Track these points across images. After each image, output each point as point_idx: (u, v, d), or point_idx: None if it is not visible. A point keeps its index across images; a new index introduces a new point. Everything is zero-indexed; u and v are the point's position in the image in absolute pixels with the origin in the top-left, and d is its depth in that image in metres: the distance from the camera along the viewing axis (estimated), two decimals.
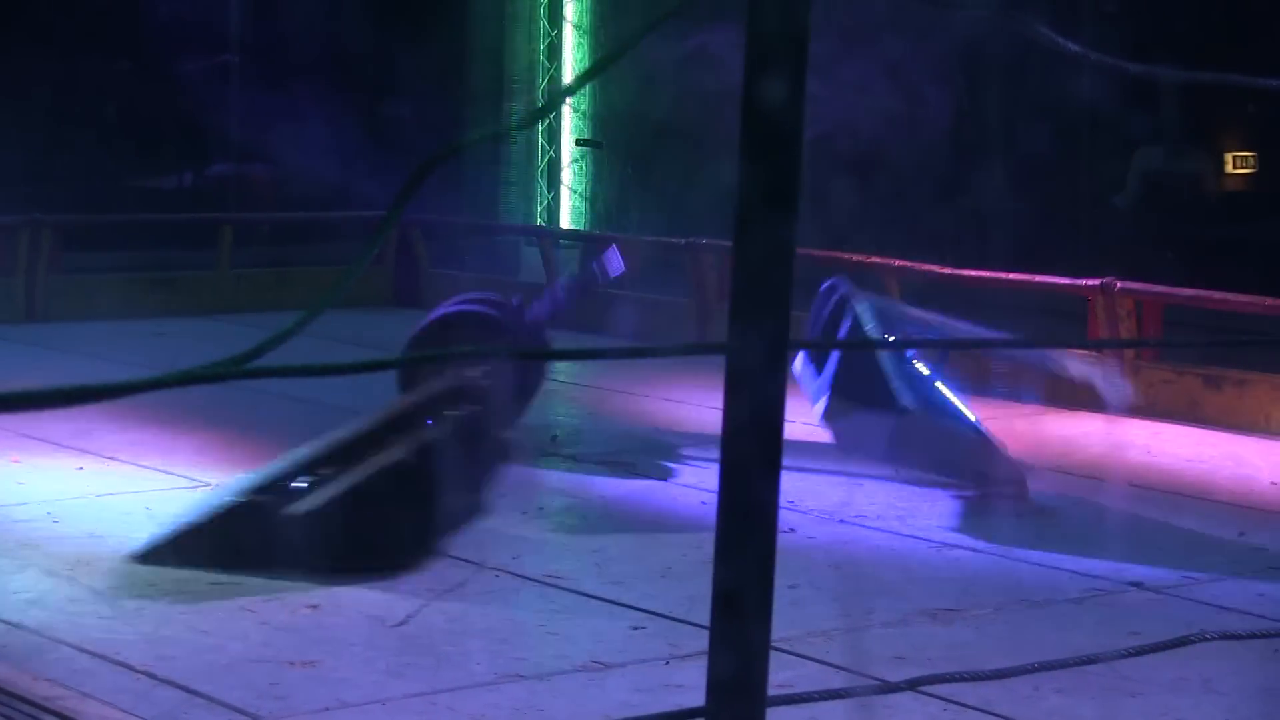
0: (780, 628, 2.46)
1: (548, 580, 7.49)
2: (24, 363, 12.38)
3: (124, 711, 5.71)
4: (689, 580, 7.12)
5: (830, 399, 9.10)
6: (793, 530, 7.99)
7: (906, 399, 9.02)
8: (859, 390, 9.08)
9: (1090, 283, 12.20)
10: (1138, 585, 7.66)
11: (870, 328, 9.29)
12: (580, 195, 18.10)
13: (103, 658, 6.27)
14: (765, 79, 2.35)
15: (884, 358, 9.08)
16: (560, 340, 13.83)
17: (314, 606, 7.01)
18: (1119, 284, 12.04)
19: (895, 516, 8.73)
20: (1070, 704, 6.01)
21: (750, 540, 2.40)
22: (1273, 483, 9.74)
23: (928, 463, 9.17)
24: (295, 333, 2.41)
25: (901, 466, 9.21)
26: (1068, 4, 14.75)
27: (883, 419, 8.95)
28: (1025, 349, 11.29)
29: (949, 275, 13.29)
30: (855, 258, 13.20)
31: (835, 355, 9.11)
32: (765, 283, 2.40)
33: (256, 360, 2.38)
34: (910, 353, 9.32)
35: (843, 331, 9.28)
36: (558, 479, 9.61)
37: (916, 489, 9.20)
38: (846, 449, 9.05)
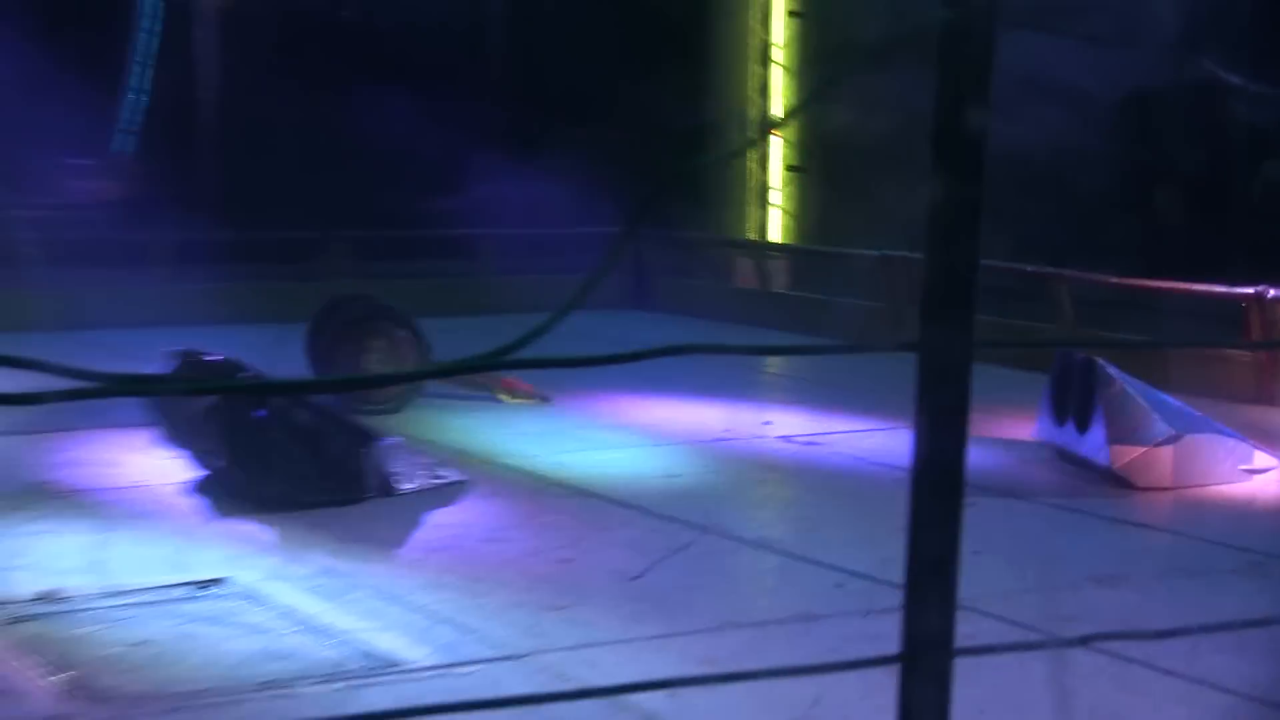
0: (965, 588, 2.46)
1: (761, 543, 7.52)
2: None
3: (411, 644, 5.85)
4: (883, 545, 7.08)
5: (1110, 447, 8.81)
6: (972, 504, 7.91)
7: (1175, 425, 8.87)
8: (1128, 431, 8.85)
9: (1245, 291, 11.95)
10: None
11: (1115, 373, 9.09)
12: (787, 213, 18.10)
13: (390, 598, 6.42)
14: (954, 108, 2.35)
15: (1140, 396, 8.96)
16: (776, 338, 13.89)
17: (566, 560, 7.11)
18: (1271, 292, 11.79)
19: (1064, 494, 8.63)
20: (1227, 662, 5.88)
21: (940, 512, 2.40)
22: None
23: (1200, 474, 8.92)
24: (548, 329, 2.47)
25: (1183, 483, 8.86)
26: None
27: (1162, 450, 8.78)
28: (1187, 346, 11.09)
29: (1116, 284, 13.07)
30: (1030, 269, 13.04)
31: (1099, 412, 8.88)
32: (954, 289, 2.40)
33: (514, 353, 2.44)
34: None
35: (1099, 388, 9.03)
36: (771, 455, 9.65)
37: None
38: (1138, 480, 8.76)
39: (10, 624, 5.95)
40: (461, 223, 16.32)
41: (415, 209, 16.38)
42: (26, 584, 6.42)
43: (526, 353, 2.33)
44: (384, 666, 5.63)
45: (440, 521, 7.73)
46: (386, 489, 8.08)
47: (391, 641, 5.87)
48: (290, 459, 8.01)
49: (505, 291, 14.78)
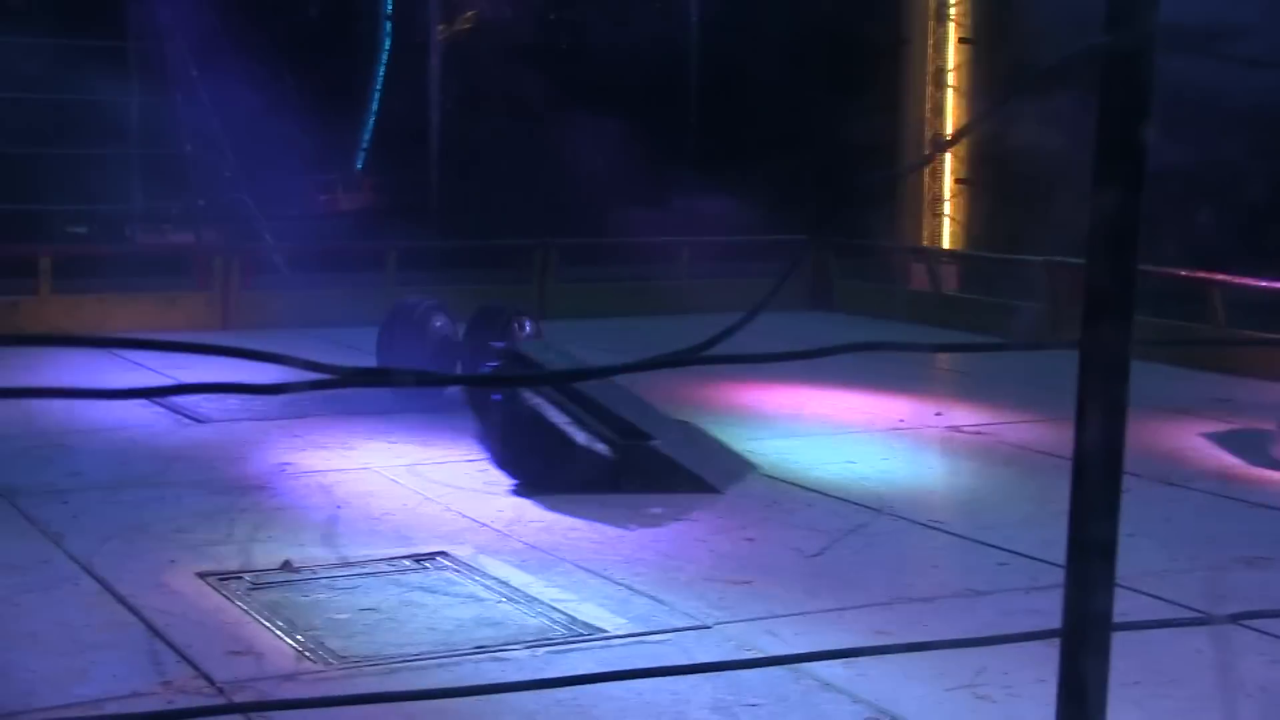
0: (1120, 567, 2.40)
1: (930, 524, 7.43)
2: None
3: (610, 614, 5.88)
4: (1044, 527, 6.98)
5: None
6: (1129, 490, 7.74)
7: None
8: None
9: None
10: None
11: None
12: (956, 221, 17.88)
13: (592, 573, 6.46)
14: (1117, 125, 2.31)
15: None
16: (947, 336, 13.71)
17: (750, 539, 7.09)
18: None
19: (1216, 479, 8.39)
20: None
21: (1100, 498, 2.35)
22: None
23: None
24: (739, 329, 2.49)
25: None
26: None
27: None
28: None
29: (1265, 288, 12.70)
30: (1183, 273, 12.74)
31: None
32: (1114, 292, 2.35)
33: (709, 350, 2.45)
34: None
35: None
36: (942, 444, 9.53)
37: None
38: None
39: (253, 590, 6.11)
40: (665, 231, 16.40)
41: (620, 219, 16.49)
42: (269, 555, 6.59)
43: (721, 349, 2.34)
44: (585, 634, 5.66)
45: (634, 503, 7.75)
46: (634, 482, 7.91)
47: (592, 611, 5.91)
48: (544, 444, 8.03)
49: (703, 294, 14.83)
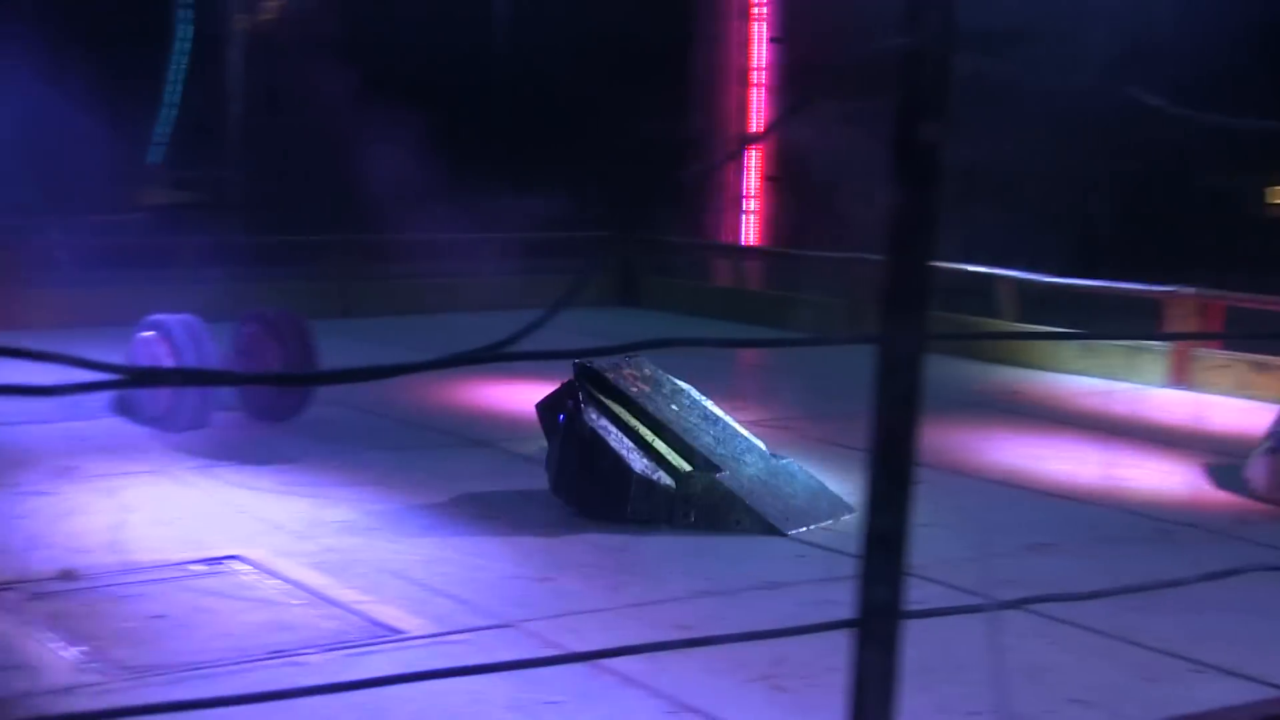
0: (914, 556, 2.39)
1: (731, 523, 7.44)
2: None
3: (410, 615, 5.76)
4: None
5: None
6: (923, 481, 7.85)
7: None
8: None
9: (1167, 288, 12.03)
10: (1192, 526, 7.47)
11: None
12: (758, 217, 18.10)
13: (392, 573, 6.33)
14: (911, 124, 2.31)
15: None
16: (752, 332, 13.82)
17: (552, 537, 7.03)
18: (1184, 290, 11.86)
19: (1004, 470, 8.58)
20: (1144, 620, 5.84)
21: (894, 492, 2.34)
22: None
23: None
24: (541, 325, 2.41)
25: None
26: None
27: None
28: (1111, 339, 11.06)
29: (1054, 284, 13.07)
30: (976, 268, 13.03)
31: None
32: (910, 287, 2.34)
33: (510, 346, 2.38)
34: None
35: None
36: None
37: None
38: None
39: (31, 600, 5.83)
40: (470, 228, 16.24)
41: (425, 216, 16.30)
42: (48, 564, 6.28)
43: (524, 345, 2.26)
44: (384, 635, 5.54)
45: (448, 500, 7.63)
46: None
47: (391, 612, 5.78)
48: (600, 470, 7.30)
49: (508, 291, 14.73)
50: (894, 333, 2.34)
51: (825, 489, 7.60)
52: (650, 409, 7.52)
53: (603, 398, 7.48)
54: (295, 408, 9.48)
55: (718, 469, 7.31)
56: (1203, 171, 17.21)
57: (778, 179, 17.92)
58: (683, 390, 7.88)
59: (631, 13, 18.26)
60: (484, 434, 9.27)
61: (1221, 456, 9.10)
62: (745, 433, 7.81)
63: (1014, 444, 9.48)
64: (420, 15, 18.07)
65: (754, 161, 17.95)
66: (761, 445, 7.76)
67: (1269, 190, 18.31)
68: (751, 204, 18.06)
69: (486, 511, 7.40)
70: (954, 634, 5.35)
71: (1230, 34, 14.24)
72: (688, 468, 7.32)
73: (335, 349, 10.39)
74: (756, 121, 17.94)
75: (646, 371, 7.86)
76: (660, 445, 7.42)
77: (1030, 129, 15.10)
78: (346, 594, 5.99)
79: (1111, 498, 8.06)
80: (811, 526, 7.20)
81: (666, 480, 7.26)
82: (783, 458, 7.77)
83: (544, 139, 18.16)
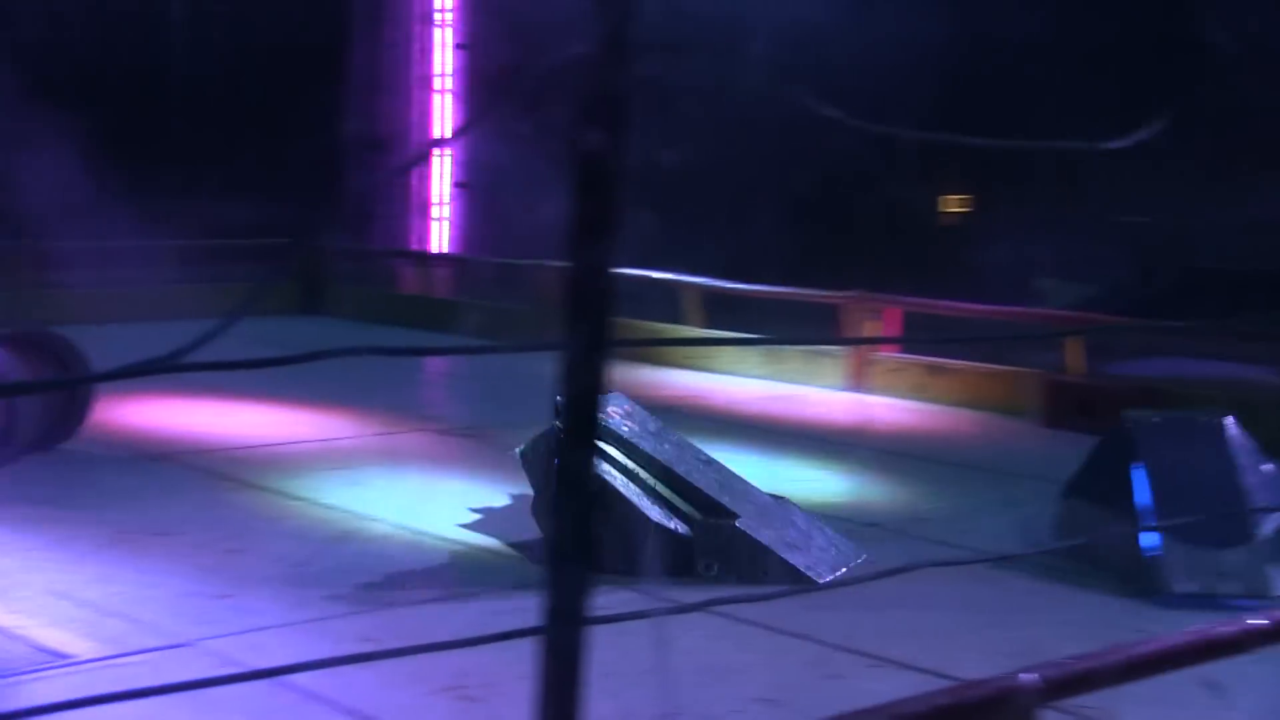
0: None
1: (416, 531, 7.38)
2: None
3: (79, 638, 5.53)
4: (534, 528, 7.06)
5: None
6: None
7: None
8: None
9: (844, 294, 12.45)
10: (875, 525, 7.75)
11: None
12: (449, 224, 18.04)
13: (59, 595, 6.06)
14: (591, 132, 2.33)
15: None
16: (440, 340, 13.73)
17: (233, 550, 6.85)
18: (863, 295, 12.30)
19: None
20: (826, 617, 6.02)
21: (576, 500, 2.36)
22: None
23: None
24: (217, 335, 2.32)
25: None
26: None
27: None
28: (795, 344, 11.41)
29: (735, 290, 13.40)
30: (659, 275, 13.26)
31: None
32: (591, 294, 2.36)
33: (182, 358, 2.29)
34: None
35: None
36: (426, 445, 9.51)
37: None
38: None
39: None
40: (142, 235, 15.67)
41: (92, 222, 15.66)
42: None
43: (202, 357, 2.16)
44: (50, 660, 5.30)
45: (107, 519, 7.34)
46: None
47: (57, 636, 5.53)
48: (611, 520, 6.57)
49: (187, 300, 14.27)
50: (576, 338, 2.36)
51: (828, 531, 7.16)
52: (648, 450, 6.91)
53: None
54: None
55: (732, 514, 6.76)
56: (882, 181, 17.93)
57: (467, 185, 17.90)
58: (664, 428, 7.26)
59: (310, 17, 17.96)
60: (160, 450, 8.97)
61: (886, 455, 9.47)
62: (739, 472, 7.29)
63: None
64: (89, 17, 17.38)
65: (443, 168, 17.88)
66: (758, 486, 7.26)
67: (942, 200, 19.20)
68: (443, 210, 17.98)
69: (163, 529, 7.16)
70: (637, 639, 5.42)
71: (913, 50, 14.86)
72: (699, 515, 6.76)
73: None
74: (442, 127, 17.88)
75: (627, 408, 7.23)
76: (665, 490, 6.82)
77: (710, 137, 15.45)
78: (7, 619, 5.71)
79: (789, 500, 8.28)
80: (842, 571, 6.76)
81: (683, 529, 6.71)
82: (780, 498, 7.31)
83: (221, 143, 17.69)
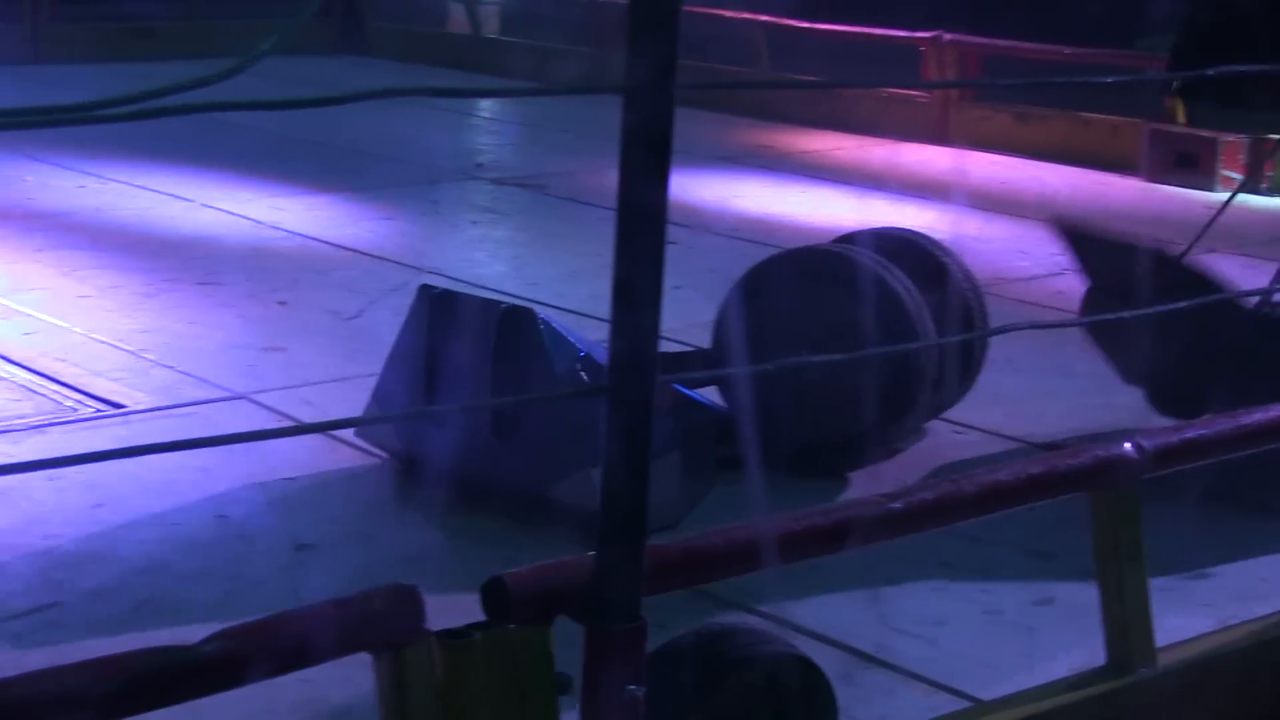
0: (667, 320, 2.46)
1: (475, 283, 7.47)
2: (30, 97, 12.08)
3: (129, 388, 5.70)
4: (592, 280, 7.13)
5: None
6: (675, 241, 7.97)
7: None
8: None
9: (923, 35, 12.22)
10: None
11: None
12: None
13: (108, 343, 6.23)
14: None
15: None
16: (487, 83, 13.65)
17: (282, 303, 6.98)
18: (946, 36, 12.07)
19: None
20: None
21: (642, 239, 2.39)
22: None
23: None
24: (239, 71, 2.31)
25: None
26: None
27: None
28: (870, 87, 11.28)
29: (807, 29, 13.21)
30: (726, 13, 13.07)
31: None
32: (656, 29, 2.36)
33: (203, 93, 2.26)
34: None
35: None
36: (485, 197, 9.57)
37: None
38: None
39: None
40: None
41: None
42: None
43: (234, 95, 2.18)
44: (101, 410, 5.47)
45: (143, 266, 7.48)
46: None
47: (107, 386, 5.71)
48: None
49: (217, 36, 14.23)
50: (640, 80, 2.36)
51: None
52: None
53: None
54: None
55: None
56: None
57: None
58: None
59: None
60: (202, 197, 9.08)
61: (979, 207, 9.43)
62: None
63: (767, 199, 9.66)
64: None
65: None
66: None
67: None
68: None
69: (211, 278, 7.30)
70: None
71: None
72: None
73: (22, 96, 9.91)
74: None
75: None
76: None
77: None
78: (58, 366, 5.88)
79: None
80: None
81: None
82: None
83: None
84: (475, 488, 4.76)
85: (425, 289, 5.03)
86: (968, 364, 5.48)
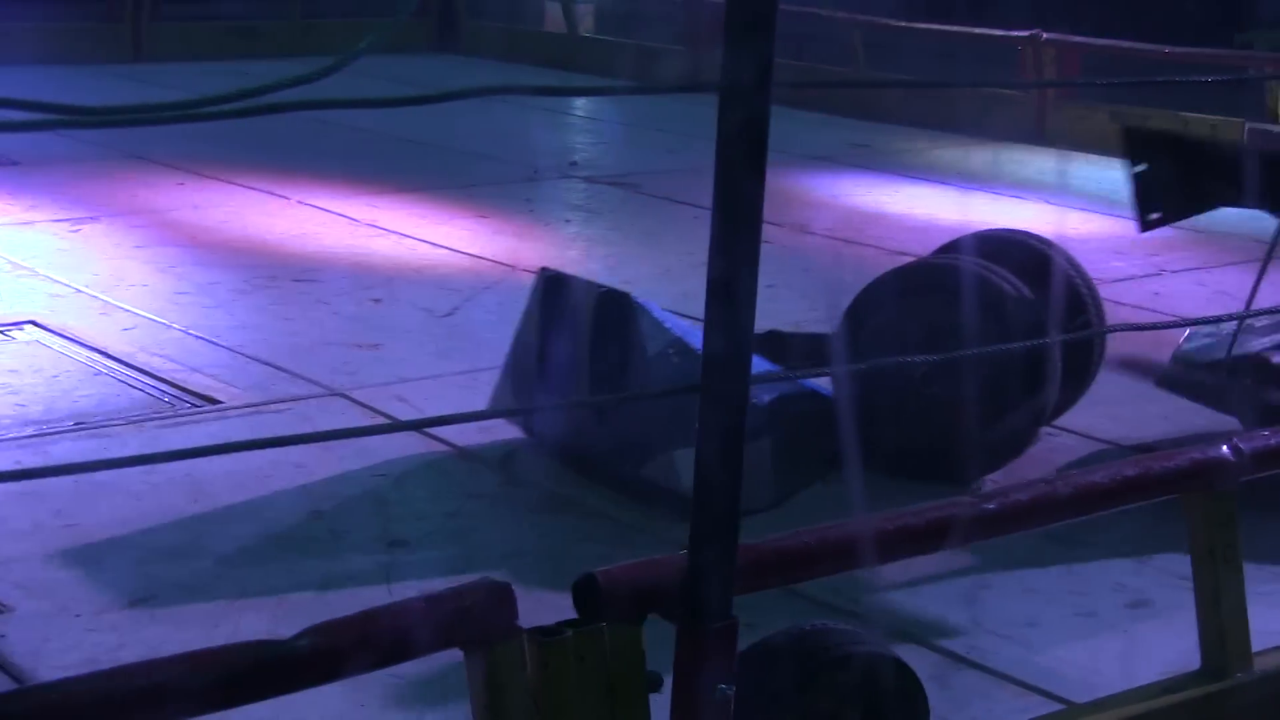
0: (761, 318, 2.46)
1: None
2: (132, 96, 12.27)
3: (224, 384, 5.76)
4: (686, 279, 7.13)
5: None
6: (769, 240, 7.96)
7: None
8: None
9: (1020, 34, 12.10)
10: None
11: None
12: None
13: (204, 340, 6.31)
14: None
15: None
16: (582, 81, 13.67)
17: (376, 300, 7.03)
18: (1044, 35, 11.94)
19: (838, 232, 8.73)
20: None
21: (738, 238, 2.39)
22: None
23: None
24: (337, 69, 2.31)
25: None
26: None
27: None
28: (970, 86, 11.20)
29: (904, 28, 13.14)
30: (824, 12, 13.01)
31: None
32: (753, 28, 2.35)
33: (302, 94, 2.26)
34: None
35: None
36: (579, 195, 9.60)
37: None
38: None
39: None
40: None
41: None
42: None
43: (332, 94, 2.19)
44: (197, 405, 5.54)
45: (240, 263, 7.57)
46: None
47: (203, 381, 5.78)
48: None
49: (319, 35, 14.38)
50: (737, 78, 2.36)
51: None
52: None
53: None
54: None
55: None
56: None
57: None
58: None
59: None
60: (299, 195, 9.17)
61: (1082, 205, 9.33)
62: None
63: (866, 198, 9.60)
64: None
65: None
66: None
67: None
68: None
69: (305, 274, 7.37)
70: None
71: None
72: None
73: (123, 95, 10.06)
74: None
75: None
76: None
77: None
78: (155, 361, 5.96)
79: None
80: None
81: None
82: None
83: None
84: (578, 465, 4.90)
85: (544, 271, 5.16)
86: (1085, 363, 5.42)
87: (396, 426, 4.65)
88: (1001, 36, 12.34)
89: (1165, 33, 11.75)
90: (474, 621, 2.27)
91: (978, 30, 12.61)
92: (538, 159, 10.36)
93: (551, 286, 5.06)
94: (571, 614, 2.38)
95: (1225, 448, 3.08)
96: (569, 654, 2.32)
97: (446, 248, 8.01)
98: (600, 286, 5.06)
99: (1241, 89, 11.41)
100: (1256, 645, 3.19)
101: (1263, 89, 10.93)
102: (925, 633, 4.01)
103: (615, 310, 4.85)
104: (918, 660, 3.16)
